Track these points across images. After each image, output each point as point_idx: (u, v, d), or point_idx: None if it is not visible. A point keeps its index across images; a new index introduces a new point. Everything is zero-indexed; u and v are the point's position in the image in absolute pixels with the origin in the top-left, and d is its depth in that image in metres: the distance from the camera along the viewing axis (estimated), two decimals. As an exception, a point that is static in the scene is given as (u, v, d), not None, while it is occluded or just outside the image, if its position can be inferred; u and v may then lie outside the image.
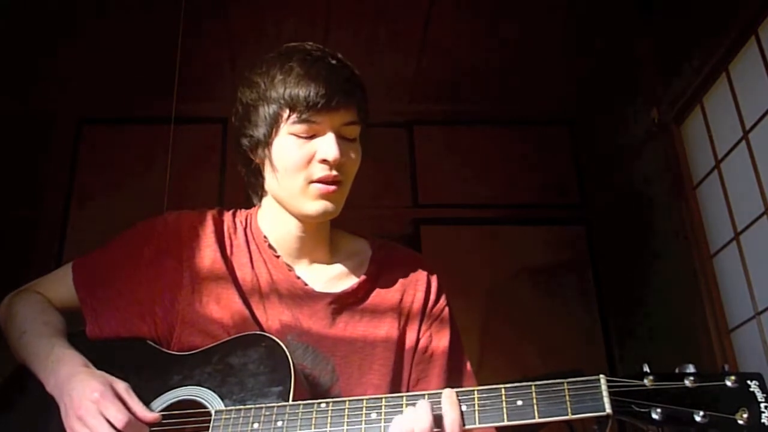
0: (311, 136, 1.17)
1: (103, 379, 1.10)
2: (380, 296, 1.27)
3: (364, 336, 1.23)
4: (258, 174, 1.26)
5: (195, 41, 3.20)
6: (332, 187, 1.18)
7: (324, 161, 1.16)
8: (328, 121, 1.17)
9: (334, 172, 1.17)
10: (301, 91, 1.14)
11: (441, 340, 1.27)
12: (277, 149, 1.18)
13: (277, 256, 1.25)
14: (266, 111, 1.18)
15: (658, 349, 2.95)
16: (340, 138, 1.18)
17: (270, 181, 1.23)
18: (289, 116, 1.16)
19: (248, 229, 1.29)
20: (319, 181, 1.17)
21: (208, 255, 1.24)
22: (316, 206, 1.18)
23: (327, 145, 1.16)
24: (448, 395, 1.00)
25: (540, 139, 3.87)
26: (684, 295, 2.77)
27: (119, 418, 1.05)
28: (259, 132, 1.19)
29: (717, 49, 2.53)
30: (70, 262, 1.32)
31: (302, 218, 1.23)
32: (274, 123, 1.17)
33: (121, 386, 1.11)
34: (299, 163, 1.17)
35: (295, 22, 3.24)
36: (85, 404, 1.06)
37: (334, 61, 1.19)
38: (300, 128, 1.16)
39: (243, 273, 1.24)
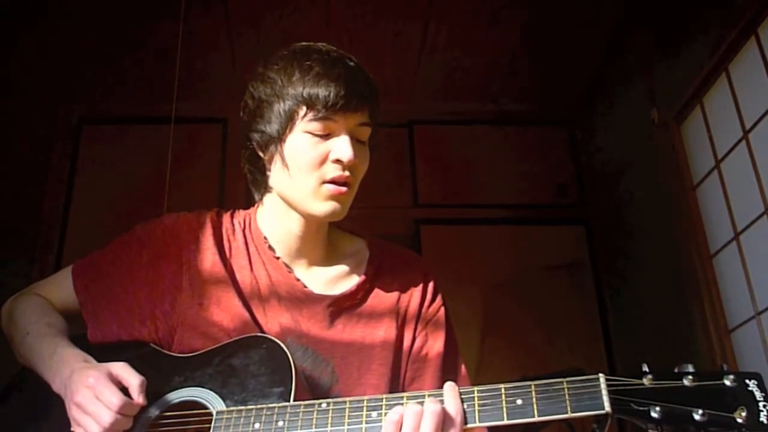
0: (326, 136, 1.17)
1: (100, 366, 1.11)
2: (378, 297, 1.27)
3: (363, 337, 1.24)
4: (263, 171, 1.25)
5: (195, 41, 3.21)
6: (343, 189, 1.17)
7: (338, 161, 1.16)
8: (344, 121, 1.17)
9: (347, 173, 1.17)
10: (321, 90, 1.14)
11: (436, 341, 1.28)
12: (291, 147, 1.18)
13: (277, 258, 1.25)
14: (281, 107, 1.17)
15: (658, 349, 2.95)
16: (353, 139, 1.18)
17: (279, 178, 1.21)
18: (305, 114, 1.15)
19: (247, 230, 1.29)
20: (332, 181, 1.17)
21: (207, 258, 1.24)
22: (325, 207, 1.18)
23: (342, 146, 1.16)
24: (451, 387, 1.01)
25: (540, 139, 3.87)
26: (684, 295, 2.77)
27: (113, 401, 1.05)
28: (272, 128, 1.18)
29: (717, 49, 2.53)
30: (71, 266, 1.32)
31: (308, 218, 1.22)
32: (289, 120, 1.17)
33: (118, 366, 1.10)
34: (313, 162, 1.16)
35: (296, 22, 3.24)
36: (82, 391, 1.07)
37: (351, 63, 1.20)
38: (316, 126, 1.16)
39: (242, 275, 1.24)
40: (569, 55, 3.49)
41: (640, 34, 3.13)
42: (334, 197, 1.17)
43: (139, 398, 1.07)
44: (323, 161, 1.16)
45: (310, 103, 1.15)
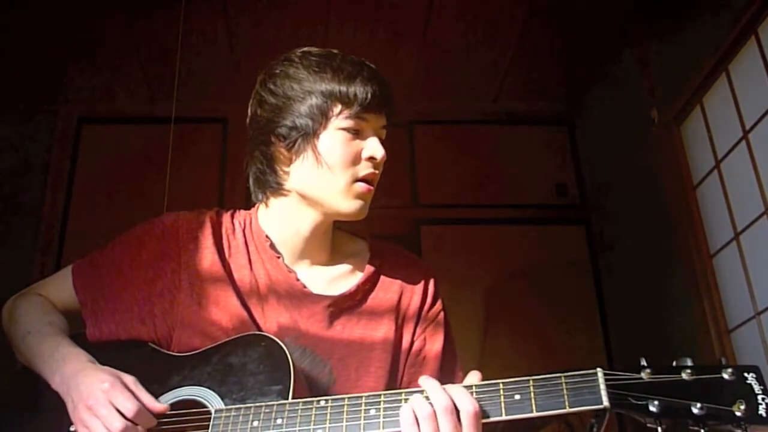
0: (357, 134, 1.19)
1: (112, 371, 1.11)
2: (377, 299, 1.27)
3: (362, 339, 1.23)
4: (276, 170, 1.23)
5: (195, 41, 3.21)
6: (372, 187, 1.21)
7: (371, 159, 1.19)
8: (374, 121, 1.21)
9: (377, 171, 1.21)
10: (358, 90, 1.17)
11: (435, 344, 1.28)
12: (325, 143, 1.18)
13: (278, 257, 1.25)
14: (313, 103, 1.18)
15: (658, 349, 2.94)
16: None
17: (305, 175, 1.20)
18: (340, 111, 1.17)
19: (247, 230, 1.28)
20: (364, 179, 1.19)
21: (206, 257, 1.24)
22: (354, 205, 1.20)
23: (374, 144, 1.20)
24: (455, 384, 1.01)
25: (540, 139, 3.87)
26: (683, 295, 2.77)
27: (128, 407, 1.05)
28: (303, 123, 1.18)
29: (717, 49, 2.53)
30: (71, 265, 1.32)
31: (330, 216, 1.23)
32: (323, 116, 1.18)
33: (129, 378, 1.11)
34: (348, 159, 1.18)
35: (295, 21, 3.25)
36: (95, 394, 1.06)
37: (373, 67, 1.23)
38: (350, 124, 1.18)
39: (241, 275, 1.24)
40: (569, 54, 3.49)
41: (639, 33, 3.13)
42: (362, 196, 1.20)
43: (154, 407, 1.08)
44: (356, 159, 1.19)
45: (347, 101, 1.17)
